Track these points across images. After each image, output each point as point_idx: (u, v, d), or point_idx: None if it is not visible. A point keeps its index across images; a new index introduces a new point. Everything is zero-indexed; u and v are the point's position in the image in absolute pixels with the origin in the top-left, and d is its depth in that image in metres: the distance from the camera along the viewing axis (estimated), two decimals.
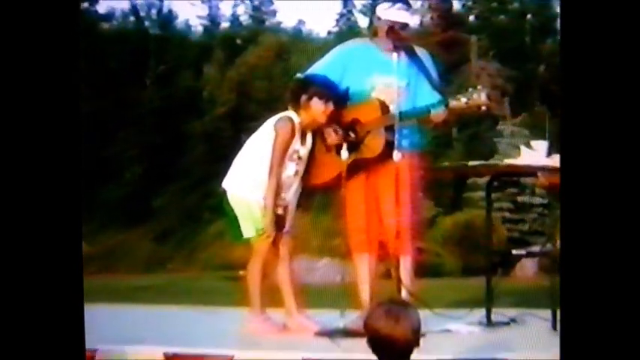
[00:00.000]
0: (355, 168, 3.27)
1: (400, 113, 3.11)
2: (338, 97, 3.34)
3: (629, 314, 1.35)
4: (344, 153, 3.23)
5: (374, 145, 3.23)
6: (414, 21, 3.80)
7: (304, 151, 3.39)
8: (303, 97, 3.32)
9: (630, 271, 1.35)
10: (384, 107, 3.24)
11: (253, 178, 3.32)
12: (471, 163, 3.64)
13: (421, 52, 3.34)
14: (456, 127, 15.62)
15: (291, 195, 3.40)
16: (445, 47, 15.26)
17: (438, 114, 3.14)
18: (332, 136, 3.34)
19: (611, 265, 1.35)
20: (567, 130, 1.49)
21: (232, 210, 3.34)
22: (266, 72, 19.37)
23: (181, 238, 15.16)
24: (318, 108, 3.30)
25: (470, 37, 18.14)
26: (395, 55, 3.19)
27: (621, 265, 1.35)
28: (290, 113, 3.37)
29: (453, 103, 3.10)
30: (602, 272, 1.35)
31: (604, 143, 1.45)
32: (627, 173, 1.40)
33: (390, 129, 3.17)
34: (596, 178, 1.40)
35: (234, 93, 19.16)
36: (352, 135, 3.29)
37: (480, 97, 3.05)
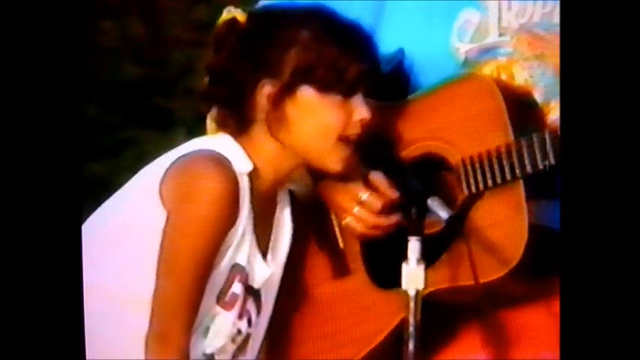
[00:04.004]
0: (446, 318, 2.02)
1: None
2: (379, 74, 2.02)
3: (631, 313, 1.63)
4: (412, 268, 1.82)
5: (503, 239, 1.93)
6: None
7: (265, 271, 1.99)
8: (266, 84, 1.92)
9: (631, 270, 1.64)
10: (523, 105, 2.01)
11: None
12: None
13: None
14: None
15: None
16: None
17: None
18: (369, 214, 2.00)
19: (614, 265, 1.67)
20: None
21: None
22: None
23: None
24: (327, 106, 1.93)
25: None
26: None
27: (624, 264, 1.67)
28: (222, 140, 1.96)
29: None
30: (603, 272, 1.66)
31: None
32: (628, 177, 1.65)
33: (547, 182, 1.92)
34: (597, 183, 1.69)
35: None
36: (444, 211, 1.86)
37: None
